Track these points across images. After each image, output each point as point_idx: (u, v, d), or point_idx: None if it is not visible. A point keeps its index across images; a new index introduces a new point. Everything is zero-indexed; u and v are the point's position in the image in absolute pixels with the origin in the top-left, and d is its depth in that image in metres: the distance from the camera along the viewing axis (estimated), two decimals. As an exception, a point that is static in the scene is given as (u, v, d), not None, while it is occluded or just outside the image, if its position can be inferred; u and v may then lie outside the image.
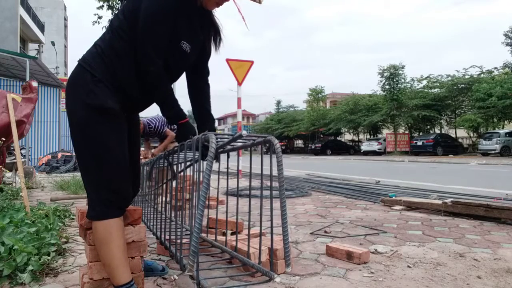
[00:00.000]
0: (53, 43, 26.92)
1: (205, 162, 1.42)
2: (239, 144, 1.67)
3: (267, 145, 1.53)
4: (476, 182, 6.98)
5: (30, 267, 1.87)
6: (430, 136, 23.01)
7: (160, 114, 5.34)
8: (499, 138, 18.86)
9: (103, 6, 8.11)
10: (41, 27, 26.77)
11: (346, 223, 3.29)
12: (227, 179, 2.22)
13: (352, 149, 31.28)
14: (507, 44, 23.02)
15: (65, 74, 33.04)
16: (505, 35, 22.90)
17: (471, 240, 2.62)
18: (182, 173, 2.04)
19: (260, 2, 1.55)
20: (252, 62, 7.62)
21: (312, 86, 37.20)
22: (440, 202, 3.68)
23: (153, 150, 4.96)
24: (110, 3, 8.03)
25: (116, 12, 7.74)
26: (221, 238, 2.21)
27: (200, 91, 1.79)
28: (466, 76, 23.75)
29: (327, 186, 6.24)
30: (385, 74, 25.18)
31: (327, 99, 41.18)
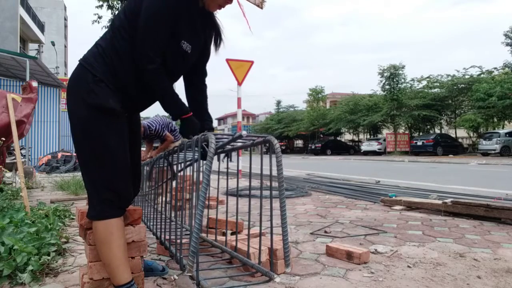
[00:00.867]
0: (53, 43, 26.92)
1: (205, 162, 1.42)
2: (239, 144, 1.67)
3: (267, 145, 1.53)
4: (476, 182, 6.99)
5: (30, 267, 1.87)
6: (430, 136, 23.01)
7: (160, 115, 5.36)
8: (499, 138, 18.86)
9: (102, 5, 8.10)
10: (41, 27, 26.77)
11: (346, 223, 3.29)
12: (227, 179, 2.22)
13: (352, 149, 31.28)
14: (507, 44, 23.00)
15: (65, 74, 33.06)
16: (505, 35, 22.89)
17: (471, 240, 2.62)
18: (181, 173, 2.04)
19: (261, 7, 1.56)
20: (252, 62, 7.62)
21: (312, 86, 37.25)
22: (440, 202, 3.68)
23: (149, 154, 4.97)
24: (109, 2, 8.02)
25: (116, 11, 7.75)
26: (221, 238, 2.21)
27: (198, 92, 1.80)
28: (466, 76, 23.75)
29: (327, 186, 6.24)
30: (385, 74, 25.18)
31: (327, 99, 41.18)
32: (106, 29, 1.56)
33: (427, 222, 3.28)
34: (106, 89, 1.42)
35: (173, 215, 2.31)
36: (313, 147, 31.14)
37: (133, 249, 1.62)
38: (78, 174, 4.88)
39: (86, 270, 1.62)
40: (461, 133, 25.47)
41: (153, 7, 1.39)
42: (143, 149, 6.47)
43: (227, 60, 7.38)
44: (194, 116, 1.80)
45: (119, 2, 7.83)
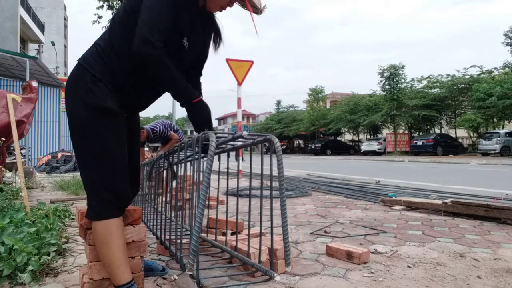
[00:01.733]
0: (53, 43, 26.92)
1: (205, 162, 1.41)
2: (239, 143, 1.67)
3: (267, 144, 1.53)
4: (476, 182, 6.99)
5: (30, 267, 1.87)
6: (430, 136, 23.01)
7: (161, 116, 5.34)
8: (499, 138, 18.86)
9: (103, 6, 8.10)
10: (41, 27, 26.77)
11: (346, 223, 3.29)
12: (227, 179, 2.22)
13: (352, 149, 31.29)
14: (507, 44, 23.00)
15: (65, 74, 33.03)
16: (505, 35, 22.88)
17: (471, 240, 2.62)
18: (181, 170, 2.03)
19: (259, 13, 1.56)
20: (252, 62, 7.62)
21: (312, 86, 37.26)
22: (440, 202, 3.68)
23: (146, 156, 4.99)
24: (110, 3, 8.02)
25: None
26: (221, 238, 2.22)
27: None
28: (466, 76, 23.75)
29: (327, 186, 6.24)
30: (385, 74, 25.19)
31: (327, 99, 41.19)
32: (106, 29, 1.55)
33: (427, 222, 3.28)
34: (105, 89, 1.42)
35: (173, 215, 2.31)
36: (313, 147, 31.15)
37: (133, 249, 1.62)
38: (78, 174, 4.89)
39: (86, 270, 1.62)
40: (461, 133, 25.48)
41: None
42: (146, 149, 6.46)
43: (227, 60, 7.39)
44: None
45: (119, 2, 7.83)
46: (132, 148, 1.65)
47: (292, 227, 3.12)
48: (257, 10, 1.58)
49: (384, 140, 26.20)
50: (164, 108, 75.51)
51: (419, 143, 22.31)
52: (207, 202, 3.52)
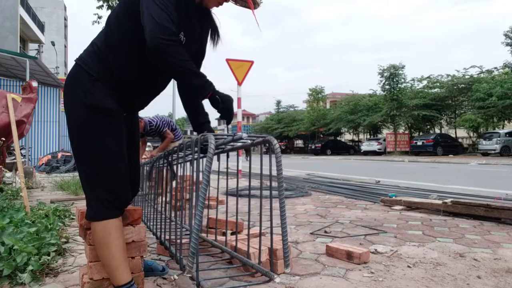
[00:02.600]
0: (53, 43, 26.91)
1: (204, 162, 1.41)
2: (239, 144, 1.67)
3: (266, 145, 1.53)
4: (476, 182, 6.99)
5: (30, 267, 1.87)
6: (430, 136, 23.00)
7: (161, 115, 5.35)
8: (499, 138, 18.86)
9: (102, 6, 8.11)
10: (41, 27, 26.77)
11: (346, 223, 3.29)
12: (227, 179, 2.22)
13: (352, 149, 31.27)
14: (507, 44, 23.00)
15: (65, 74, 33.01)
16: (505, 35, 22.88)
17: (471, 240, 2.62)
18: (181, 170, 2.03)
19: (256, 7, 1.56)
20: (252, 62, 7.62)
21: (312, 86, 37.22)
22: (440, 202, 3.68)
23: (149, 153, 4.97)
24: (110, 3, 8.02)
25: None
26: (221, 238, 2.21)
27: None
28: (466, 76, 23.74)
29: (327, 186, 6.24)
30: (385, 74, 25.17)
31: (327, 99, 41.18)
32: (102, 28, 1.54)
33: (427, 222, 3.28)
34: (103, 88, 1.41)
35: (173, 215, 2.31)
36: (313, 147, 31.13)
37: (133, 249, 1.62)
38: (78, 174, 4.88)
39: (86, 270, 1.62)
40: (461, 133, 25.47)
41: None
42: (148, 148, 6.46)
43: (227, 60, 7.38)
44: (190, 116, 1.79)
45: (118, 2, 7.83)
46: (131, 147, 1.65)
47: (292, 227, 3.12)
48: (255, 4, 1.58)
49: (384, 140, 26.19)
50: (164, 108, 75.59)
51: (419, 143, 22.31)
52: (206, 202, 3.52)
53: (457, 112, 25.38)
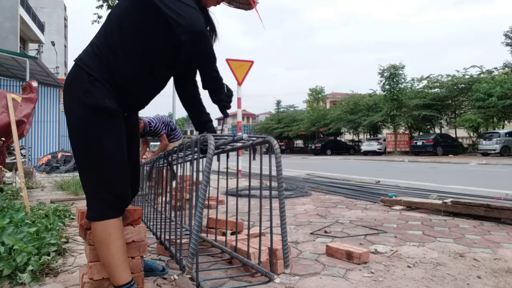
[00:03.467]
0: (53, 43, 26.91)
1: (204, 162, 1.41)
2: (239, 144, 1.67)
3: (266, 145, 1.53)
4: (476, 182, 6.98)
5: (30, 267, 1.87)
6: (430, 136, 23.01)
7: (161, 115, 5.36)
8: (499, 138, 18.86)
9: (102, 5, 8.11)
10: (41, 27, 26.76)
11: (346, 223, 3.29)
12: (227, 179, 2.22)
13: (352, 149, 31.27)
14: (507, 44, 23.02)
15: (65, 74, 32.99)
16: (505, 35, 22.90)
17: (471, 240, 2.62)
18: (180, 170, 2.03)
19: (254, 5, 1.56)
20: (252, 62, 7.62)
21: (312, 86, 37.29)
22: (440, 202, 3.68)
23: (145, 155, 4.98)
24: (109, 2, 8.02)
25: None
26: (221, 238, 2.21)
27: (194, 89, 1.80)
28: (466, 76, 23.74)
29: (327, 186, 6.24)
30: (385, 74, 25.17)
31: (327, 99, 41.16)
32: (100, 27, 1.53)
33: (427, 222, 3.28)
34: (102, 88, 1.40)
35: (173, 215, 2.31)
36: (313, 147, 31.13)
37: (133, 249, 1.62)
38: (78, 174, 4.90)
39: (86, 270, 1.62)
40: (461, 133, 25.47)
41: None
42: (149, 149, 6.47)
43: (227, 60, 7.38)
44: (190, 115, 1.80)
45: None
46: (131, 147, 1.64)
47: (292, 227, 3.12)
48: (254, 2, 1.58)
49: (384, 140, 26.19)
50: (164, 108, 75.60)
51: (419, 143, 22.31)
52: (206, 202, 3.52)
53: (457, 112, 25.38)
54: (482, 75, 23.08)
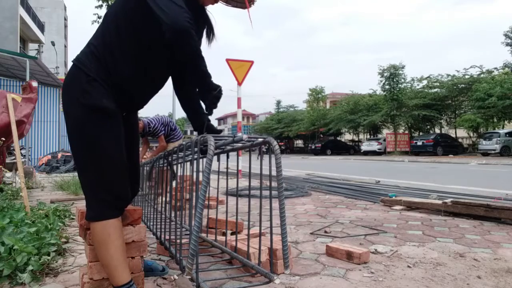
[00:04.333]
0: (53, 43, 26.90)
1: (204, 162, 1.41)
2: (239, 144, 1.67)
3: (266, 146, 1.53)
4: (476, 182, 6.98)
5: (30, 267, 1.87)
6: (430, 136, 23.00)
7: (161, 115, 5.37)
8: (499, 138, 18.85)
9: (102, 5, 8.10)
10: (41, 27, 26.76)
11: (346, 223, 3.29)
12: (227, 179, 2.22)
13: (352, 149, 31.27)
14: (507, 44, 23.01)
15: (65, 74, 32.90)
16: (505, 35, 22.89)
17: (471, 240, 2.62)
18: (180, 170, 2.03)
19: (248, 6, 1.56)
20: (252, 62, 7.62)
21: (312, 86, 37.24)
22: (440, 202, 3.68)
23: (145, 155, 4.99)
24: (109, 2, 8.02)
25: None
26: (221, 238, 2.21)
27: (189, 92, 1.80)
28: (466, 76, 23.74)
29: (327, 186, 6.24)
30: (385, 74, 25.18)
31: (327, 99, 41.17)
32: (98, 27, 1.53)
33: (427, 222, 3.28)
34: (100, 88, 1.40)
35: (173, 215, 2.31)
36: (313, 147, 31.13)
37: (133, 249, 1.62)
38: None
39: (86, 270, 1.62)
40: (461, 133, 25.47)
41: None
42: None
43: (227, 60, 7.39)
44: (193, 112, 1.80)
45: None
46: (131, 147, 1.64)
47: (292, 227, 3.12)
48: (251, 2, 1.58)
49: (384, 140, 26.19)
50: (164, 108, 75.62)
51: (419, 143, 22.31)
52: (206, 202, 3.52)
53: (457, 112, 25.38)
54: (482, 75, 23.08)
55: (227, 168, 2.21)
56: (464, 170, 10.68)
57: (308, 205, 4.40)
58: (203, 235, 2.29)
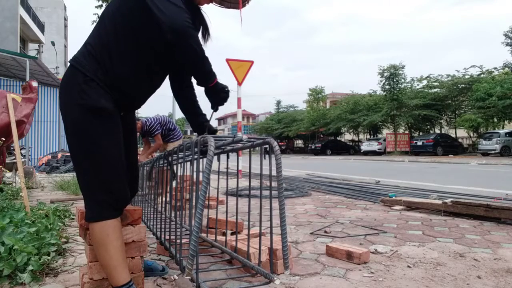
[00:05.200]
0: (53, 43, 26.90)
1: (204, 163, 1.41)
2: (239, 145, 1.67)
3: (266, 146, 1.53)
4: (476, 182, 6.98)
5: (30, 267, 1.87)
6: (430, 136, 23.00)
7: (161, 115, 5.37)
8: (499, 138, 18.85)
9: (101, 5, 8.10)
10: (41, 27, 26.76)
11: (346, 223, 3.29)
12: (227, 179, 2.22)
13: (352, 149, 31.26)
14: (507, 44, 23.00)
15: (65, 74, 32.87)
16: (505, 35, 22.88)
17: (471, 240, 2.62)
18: (180, 170, 2.03)
19: (241, 6, 1.56)
20: (252, 62, 7.62)
21: (312, 86, 37.25)
22: (440, 202, 3.68)
23: (145, 155, 5.01)
24: (108, 2, 8.02)
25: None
26: (221, 238, 2.21)
27: (190, 90, 1.80)
28: (466, 76, 23.74)
29: (327, 186, 6.24)
30: (385, 74, 25.17)
31: (327, 99, 41.16)
32: (94, 27, 1.52)
33: (427, 222, 3.28)
34: (98, 88, 1.39)
35: (173, 215, 2.31)
36: (313, 147, 31.11)
37: (133, 249, 1.62)
38: (78, 174, 4.90)
39: (86, 270, 1.62)
40: (461, 133, 25.47)
41: None
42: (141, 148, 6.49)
43: (227, 60, 7.38)
44: (193, 114, 1.80)
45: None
46: (129, 147, 1.64)
47: (292, 227, 3.12)
48: (244, 1, 1.58)
49: (384, 140, 26.18)
50: (164, 108, 75.66)
51: (419, 143, 22.30)
52: (206, 202, 3.52)
53: (457, 112, 25.38)
54: (482, 75, 23.08)
55: (227, 168, 2.21)
56: (464, 170, 10.67)
57: (308, 205, 4.40)
58: (203, 235, 2.29)
